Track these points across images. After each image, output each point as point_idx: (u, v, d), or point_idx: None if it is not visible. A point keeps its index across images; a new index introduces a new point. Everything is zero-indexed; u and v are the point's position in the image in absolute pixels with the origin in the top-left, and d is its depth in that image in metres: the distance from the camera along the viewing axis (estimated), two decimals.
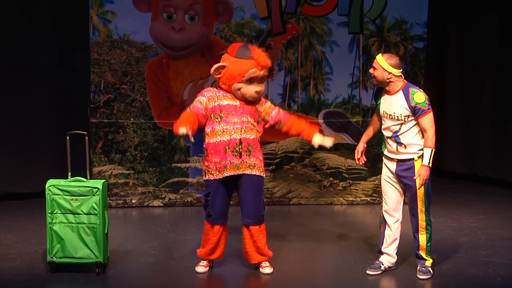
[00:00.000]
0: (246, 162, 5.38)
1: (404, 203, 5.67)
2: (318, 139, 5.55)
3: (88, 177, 5.73)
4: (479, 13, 9.03)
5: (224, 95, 5.39)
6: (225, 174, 5.38)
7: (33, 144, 8.06)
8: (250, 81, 5.30)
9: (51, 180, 5.56)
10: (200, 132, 7.84)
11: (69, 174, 5.65)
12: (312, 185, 8.11)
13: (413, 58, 8.00)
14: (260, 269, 5.65)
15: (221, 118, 5.34)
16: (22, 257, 6.02)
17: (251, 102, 5.42)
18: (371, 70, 5.48)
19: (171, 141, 7.86)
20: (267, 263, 5.66)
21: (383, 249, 5.69)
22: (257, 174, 5.45)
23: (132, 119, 7.74)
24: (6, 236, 6.63)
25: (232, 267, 5.86)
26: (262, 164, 5.51)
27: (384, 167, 5.64)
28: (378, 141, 7.23)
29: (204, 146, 5.47)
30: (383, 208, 5.66)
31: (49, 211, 5.49)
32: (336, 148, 8.02)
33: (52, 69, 8.10)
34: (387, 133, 5.51)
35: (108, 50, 7.63)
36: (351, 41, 7.93)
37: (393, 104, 5.42)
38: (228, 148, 5.32)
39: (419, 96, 5.36)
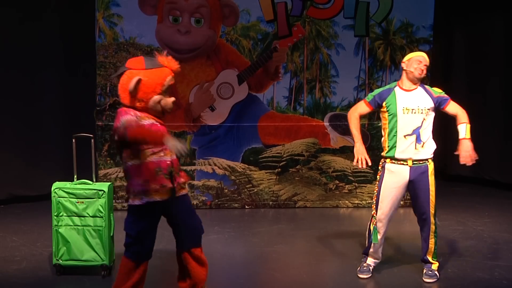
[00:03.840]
0: (179, 184, 4.73)
1: (401, 206, 5.66)
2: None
3: (94, 180, 5.74)
4: (485, 17, 9.02)
5: (145, 115, 4.59)
6: (157, 199, 4.62)
7: (39, 146, 8.08)
8: (166, 91, 4.62)
9: (57, 182, 5.58)
10: (205, 135, 7.91)
11: (75, 176, 5.66)
12: (317, 188, 8.11)
13: None
14: None
15: None
16: (28, 259, 6.03)
17: (163, 117, 4.72)
18: (423, 67, 5.48)
19: None
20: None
21: (370, 252, 5.69)
22: (187, 193, 4.86)
23: None
24: (12, 239, 6.64)
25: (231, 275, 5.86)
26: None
27: (389, 175, 5.51)
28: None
29: (125, 168, 4.66)
30: (378, 216, 5.55)
31: (55, 214, 5.50)
32: (342, 151, 8.04)
33: (58, 71, 8.12)
34: (405, 131, 5.43)
35: (114, 53, 7.65)
36: (357, 44, 7.93)
37: (417, 98, 5.46)
38: (160, 171, 4.59)
39: (437, 88, 5.61)
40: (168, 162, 4.62)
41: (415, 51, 7.93)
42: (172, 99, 4.66)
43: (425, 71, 5.48)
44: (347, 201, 8.14)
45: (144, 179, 4.57)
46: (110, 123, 7.69)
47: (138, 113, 4.55)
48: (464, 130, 5.55)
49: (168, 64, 4.64)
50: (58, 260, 5.54)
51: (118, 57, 7.65)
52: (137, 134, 4.40)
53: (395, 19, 7.93)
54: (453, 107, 5.57)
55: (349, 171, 8.09)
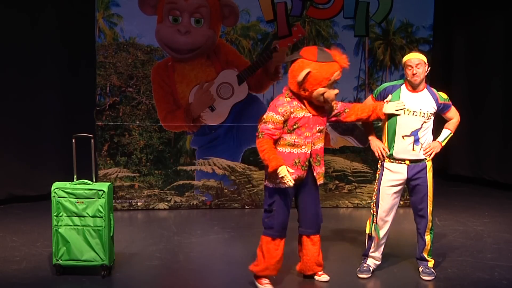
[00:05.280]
0: (319, 172, 5.23)
1: (400, 206, 5.67)
2: (390, 108, 5.35)
3: (94, 180, 5.74)
4: (486, 16, 9.02)
5: (298, 105, 5.04)
6: (288, 185, 5.06)
7: (39, 147, 8.08)
8: (332, 84, 5.04)
9: (57, 182, 5.57)
10: (205, 136, 7.90)
11: (75, 176, 5.66)
12: None
13: None
14: (317, 277, 5.54)
15: (293, 130, 5.05)
16: (28, 259, 6.03)
17: (322, 110, 5.16)
18: (415, 70, 5.36)
19: (177, 144, 7.88)
20: (322, 271, 5.57)
21: (370, 253, 5.71)
22: (320, 183, 5.30)
23: (137, 122, 7.75)
24: (12, 239, 6.64)
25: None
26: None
27: (387, 173, 5.53)
28: None
29: None
30: (379, 215, 5.59)
31: (55, 214, 5.50)
32: (342, 151, 8.04)
33: (58, 72, 8.12)
34: (404, 131, 5.42)
35: (114, 53, 7.64)
36: (356, 44, 7.93)
37: (421, 101, 5.43)
38: (298, 162, 5.09)
39: (443, 94, 5.58)
40: (307, 154, 5.09)
41: (415, 51, 7.96)
42: (336, 91, 5.05)
43: (420, 73, 5.38)
44: (347, 201, 8.14)
45: None
46: (109, 123, 7.69)
47: (297, 103, 5.02)
48: (444, 135, 5.65)
49: (339, 59, 4.99)
50: (58, 260, 5.53)
51: (118, 57, 7.65)
52: (259, 149, 4.99)
53: (395, 19, 7.93)
54: (452, 114, 5.64)
55: (349, 171, 8.09)
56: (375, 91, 5.66)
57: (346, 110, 5.34)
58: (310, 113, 5.08)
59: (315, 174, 5.21)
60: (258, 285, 5.36)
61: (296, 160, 5.08)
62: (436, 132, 5.63)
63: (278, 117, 5.00)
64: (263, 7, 7.77)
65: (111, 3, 7.54)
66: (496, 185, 9.06)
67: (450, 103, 5.57)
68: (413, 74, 5.38)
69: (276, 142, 5.08)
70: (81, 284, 5.45)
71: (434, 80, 8.39)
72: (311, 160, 5.15)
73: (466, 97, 9.30)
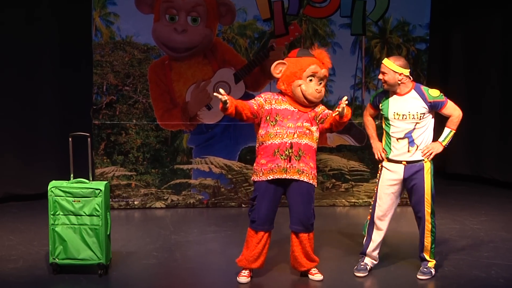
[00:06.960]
0: (295, 167, 5.23)
1: (398, 205, 5.70)
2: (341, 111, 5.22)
3: (91, 179, 5.73)
4: (483, 15, 9.02)
5: (283, 99, 5.28)
6: (270, 177, 5.26)
7: (35, 145, 8.07)
8: (311, 79, 5.20)
9: (54, 181, 5.56)
10: (202, 134, 7.90)
11: (72, 175, 5.65)
12: None
13: (416, 60, 8.00)
14: (310, 276, 5.56)
15: (276, 122, 5.23)
16: (25, 258, 6.02)
17: (308, 105, 5.27)
18: (380, 76, 5.47)
19: (174, 143, 7.87)
20: (316, 270, 5.57)
21: (368, 252, 5.72)
22: (305, 180, 5.29)
23: (134, 121, 7.75)
24: (9, 238, 6.63)
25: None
26: (313, 172, 5.35)
27: (386, 172, 5.56)
28: None
29: (256, 147, 5.37)
30: (376, 214, 5.63)
31: (52, 213, 5.49)
32: (339, 150, 8.04)
33: (55, 70, 8.11)
34: (397, 135, 5.47)
35: (111, 51, 7.64)
36: (353, 42, 7.94)
37: (408, 104, 5.43)
38: (278, 151, 5.21)
39: (434, 91, 5.50)
40: (287, 144, 5.20)
41: (412, 49, 7.99)
42: (316, 87, 5.19)
43: (386, 80, 5.43)
44: (343, 200, 8.15)
45: (264, 159, 5.26)
46: (106, 122, 7.68)
47: (278, 97, 5.30)
48: (445, 135, 5.59)
49: (317, 55, 5.22)
50: (54, 259, 5.53)
51: (115, 55, 7.64)
52: None
53: (391, 18, 7.94)
54: (448, 110, 5.55)
55: (346, 170, 8.09)
56: (371, 99, 5.77)
57: (327, 117, 5.33)
58: (293, 107, 5.26)
59: (288, 165, 5.23)
60: (237, 277, 5.51)
61: (276, 149, 5.22)
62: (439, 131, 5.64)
63: (260, 99, 5.28)
64: (259, 6, 7.77)
65: (107, 1, 7.53)
66: (495, 183, 9.07)
67: (444, 99, 5.49)
68: (382, 81, 5.49)
69: (261, 136, 5.28)
70: (78, 283, 5.44)
71: (431, 78, 8.42)
72: (291, 152, 5.20)
73: (464, 95, 9.31)
